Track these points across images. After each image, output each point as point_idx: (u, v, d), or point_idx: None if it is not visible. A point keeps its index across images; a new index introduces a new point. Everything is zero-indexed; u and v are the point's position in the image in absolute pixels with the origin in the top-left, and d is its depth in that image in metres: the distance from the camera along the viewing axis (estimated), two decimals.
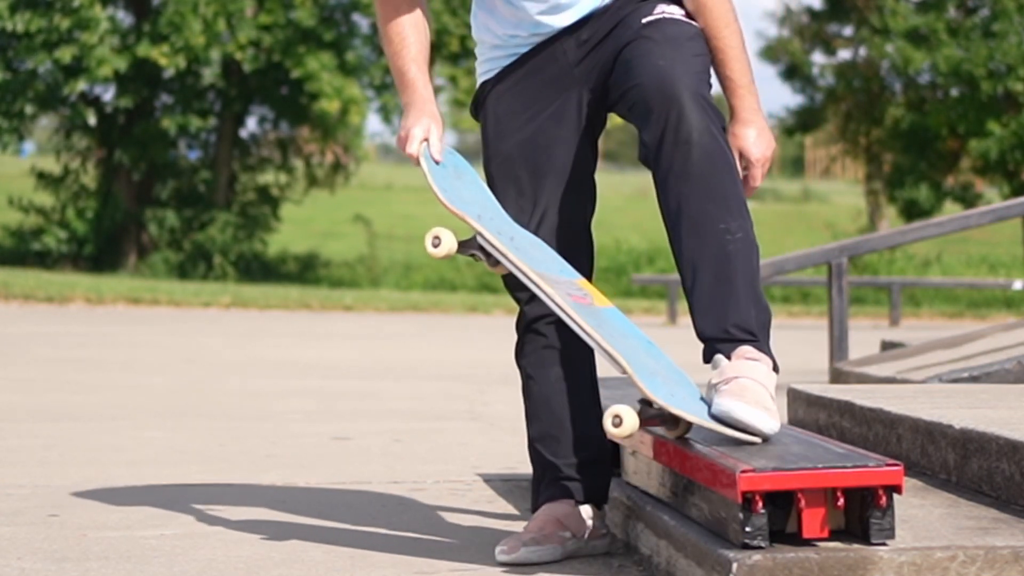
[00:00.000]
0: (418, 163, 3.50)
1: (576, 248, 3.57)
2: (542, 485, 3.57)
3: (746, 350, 3.27)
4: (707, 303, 3.31)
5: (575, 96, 3.56)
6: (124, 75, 25.37)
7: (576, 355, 3.57)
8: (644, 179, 24.55)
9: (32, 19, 24.83)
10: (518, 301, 3.60)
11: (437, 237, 3.45)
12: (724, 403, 3.17)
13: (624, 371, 3.19)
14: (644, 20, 3.46)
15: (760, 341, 3.30)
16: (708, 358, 3.31)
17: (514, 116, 3.58)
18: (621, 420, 3.18)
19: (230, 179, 27.26)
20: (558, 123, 3.57)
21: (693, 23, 3.47)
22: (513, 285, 3.56)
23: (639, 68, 3.38)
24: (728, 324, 3.29)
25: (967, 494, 3.55)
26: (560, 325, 3.50)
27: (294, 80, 25.89)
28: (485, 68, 3.65)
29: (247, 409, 7.47)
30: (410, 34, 3.57)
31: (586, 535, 3.54)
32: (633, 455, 3.74)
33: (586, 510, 3.56)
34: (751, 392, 3.17)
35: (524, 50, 3.58)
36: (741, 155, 3.45)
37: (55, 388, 8.40)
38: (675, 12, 3.48)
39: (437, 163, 3.51)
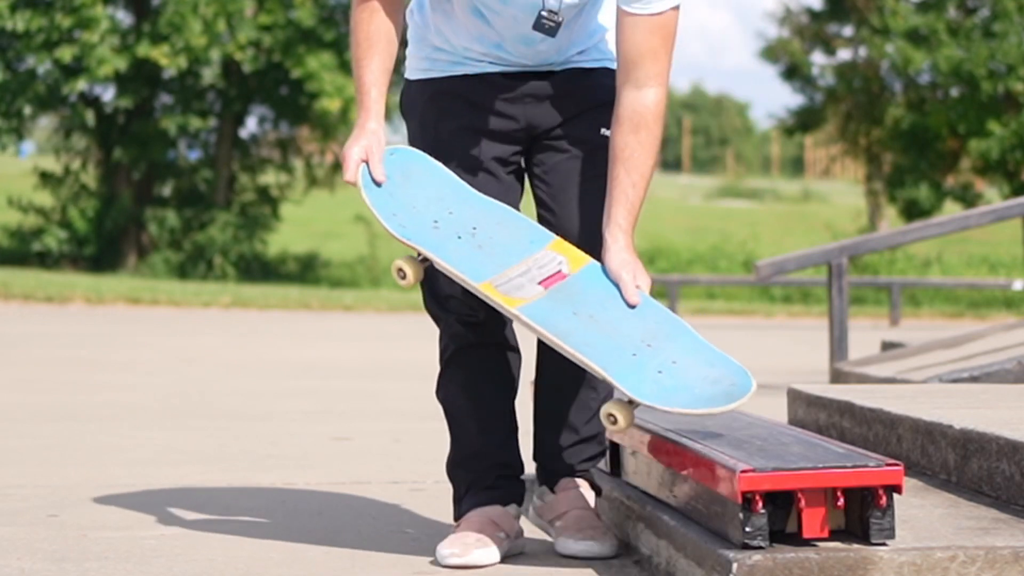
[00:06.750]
0: (356, 187, 3.40)
1: None
2: (467, 495, 3.64)
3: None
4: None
5: (513, 131, 3.58)
6: (124, 75, 25.36)
7: (500, 381, 3.66)
8: None
9: (32, 18, 24.80)
10: (454, 322, 3.66)
11: (401, 269, 3.38)
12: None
13: (600, 375, 3.18)
14: (603, 131, 3.54)
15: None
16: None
17: (457, 134, 3.57)
18: (616, 418, 3.19)
19: (230, 179, 27.24)
20: (494, 159, 3.58)
21: None
22: (461, 309, 3.58)
23: (569, 205, 3.54)
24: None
25: (967, 494, 3.55)
26: (485, 351, 3.65)
27: (294, 80, 25.87)
28: (422, 66, 3.62)
29: (247, 409, 7.46)
30: (377, 43, 3.48)
31: (514, 535, 3.62)
32: (633, 455, 3.74)
33: (512, 510, 3.64)
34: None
35: (470, 67, 3.56)
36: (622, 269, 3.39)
37: (55, 388, 8.39)
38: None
39: (379, 184, 3.39)
